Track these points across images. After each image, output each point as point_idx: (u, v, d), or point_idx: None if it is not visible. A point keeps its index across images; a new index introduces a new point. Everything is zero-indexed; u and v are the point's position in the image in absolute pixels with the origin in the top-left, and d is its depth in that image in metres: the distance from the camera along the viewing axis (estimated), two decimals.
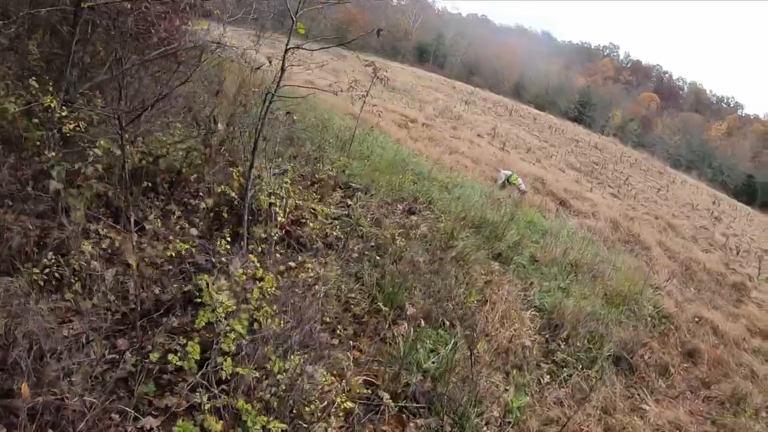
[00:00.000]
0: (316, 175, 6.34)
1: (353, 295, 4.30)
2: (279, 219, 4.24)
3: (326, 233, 5.03)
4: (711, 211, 23.02)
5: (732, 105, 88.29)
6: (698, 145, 70.70)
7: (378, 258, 5.10)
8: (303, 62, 4.59)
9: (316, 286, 3.73)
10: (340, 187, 6.85)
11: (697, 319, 7.59)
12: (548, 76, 71.83)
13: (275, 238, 4.10)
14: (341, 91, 7.14)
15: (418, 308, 4.40)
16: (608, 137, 42.66)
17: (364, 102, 9.19)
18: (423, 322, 4.27)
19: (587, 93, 70.92)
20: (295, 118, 6.50)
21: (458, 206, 7.72)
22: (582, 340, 5.28)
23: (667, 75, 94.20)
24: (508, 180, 10.84)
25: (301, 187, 5.63)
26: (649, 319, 6.64)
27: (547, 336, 5.19)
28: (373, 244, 5.34)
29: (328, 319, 3.66)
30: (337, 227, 5.34)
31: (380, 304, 4.25)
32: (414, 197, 7.64)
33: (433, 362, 3.75)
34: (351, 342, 3.66)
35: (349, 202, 6.48)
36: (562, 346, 5.08)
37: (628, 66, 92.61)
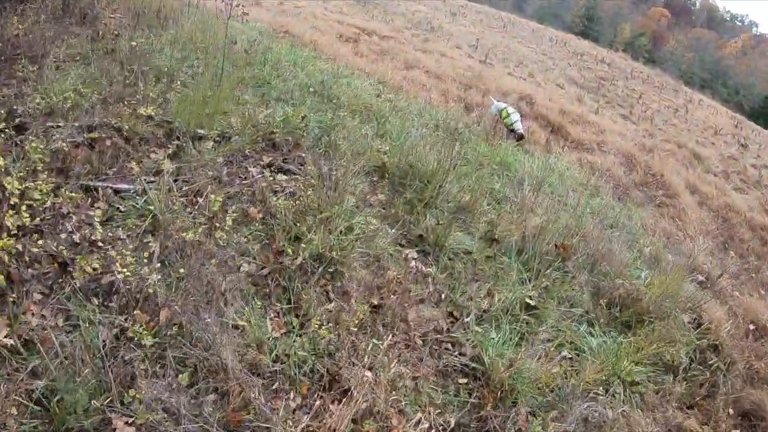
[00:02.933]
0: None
1: None
2: None
3: None
4: (735, 137, 19.58)
5: (746, 23, 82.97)
6: (711, 63, 65.46)
7: None
8: None
9: None
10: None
11: (753, 327, 4.64)
12: None
13: None
14: None
15: None
16: (617, 52, 38.04)
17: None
18: None
19: (593, 5, 64.59)
20: None
21: (371, 147, 4.55)
22: None
23: None
24: (499, 115, 7.33)
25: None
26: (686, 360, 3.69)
27: None
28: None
29: None
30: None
31: None
32: (296, 141, 4.47)
33: None
34: None
35: (164, 166, 3.39)
36: None
37: None
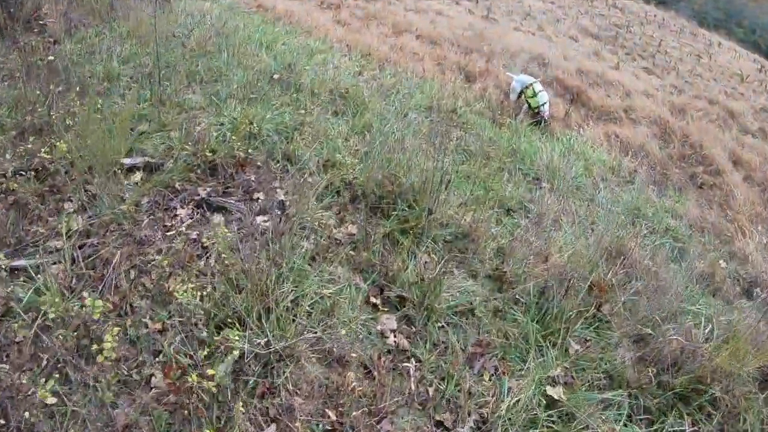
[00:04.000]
0: None
1: None
2: None
3: None
4: (763, 84, 17.94)
5: None
6: (724, 1, 61.70)
7: None
8: None
9: None
10: None
11: None
12: None
13: None
14: None
15: None
16: None
17: None
18: None
19: None
20: None
21: (341, 153, 3.44)
22: None
23: None
24: (523, 93, 5.80)
25: None
26: None
27: None
28: None
29: None
30: None
31: None
32: (240, 160, 3.42)
33: None
34: None
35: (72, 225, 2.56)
36: None
37: None
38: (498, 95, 5.81)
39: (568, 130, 5.79)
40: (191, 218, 3.04)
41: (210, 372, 2.13)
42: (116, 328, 2.22)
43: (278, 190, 3.36)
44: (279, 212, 3.14)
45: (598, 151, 5.37)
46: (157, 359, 2.28)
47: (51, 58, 4.09)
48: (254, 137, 3.69)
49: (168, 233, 2.91)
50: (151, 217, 3.02)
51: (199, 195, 3.19)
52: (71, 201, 3.00)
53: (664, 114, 7.15)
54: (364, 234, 3.05)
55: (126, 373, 2.20)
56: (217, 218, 3.06)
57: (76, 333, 2.26)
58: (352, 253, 2.97)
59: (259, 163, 3.54)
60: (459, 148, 4.31)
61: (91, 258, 2.68)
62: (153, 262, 2.67)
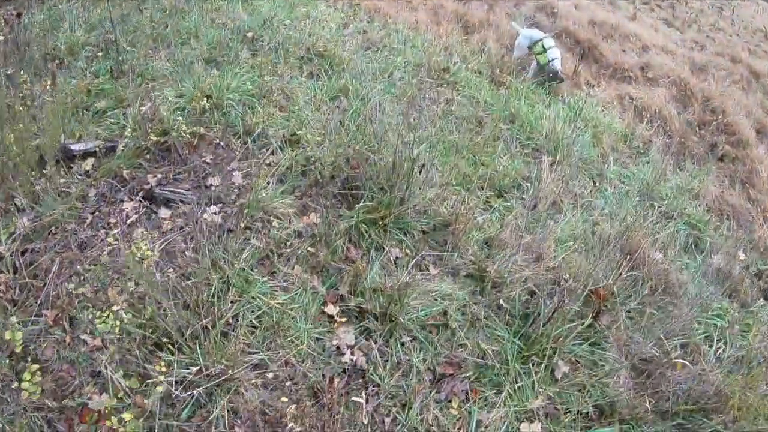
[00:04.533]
0: None
1: None
2: None
3: None
4: None
5: None
6: None
7: None
8: None
9: None
10: None
11: None
12: None
13: None
14: None
15: None
16: None
17: None
18: None
19: None
20: None
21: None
22: None
23: None
24: (531, 48, 4.99)
25: None
26: None
27: None
28: None
29: None
30: None
31: None
32: (198, 135, 2.88)
33: None
34: None
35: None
36: None
37: None
38: (498, 49, 5.12)
39: (577, 90, 5.14)
40: (137, 213, 2.61)
41: (144, 402, 1.76)
42: (34, 366, 1.88)
43: (235, 173, 2.86)
44: (232, 201, 2.66)
45: (610, 116, 4.75)
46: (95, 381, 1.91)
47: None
48: (215, 109, 3.14)
49: (113, 230, 2.46)
50: (97, 213, 2.59)
51: (148, 184, 2.74)
52: (15, 199, 2.53)
53: (685, 74, 6.43)
54: (327, 226, 2.56)
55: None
56: (164, 212, 2.62)
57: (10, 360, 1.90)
58: (311, 249, 2.50)
59: (217, 141, 3.01)
60: (448, 113, 3.72)
61: (33, 266, 2.27)
62: (92, 270, 2.24)
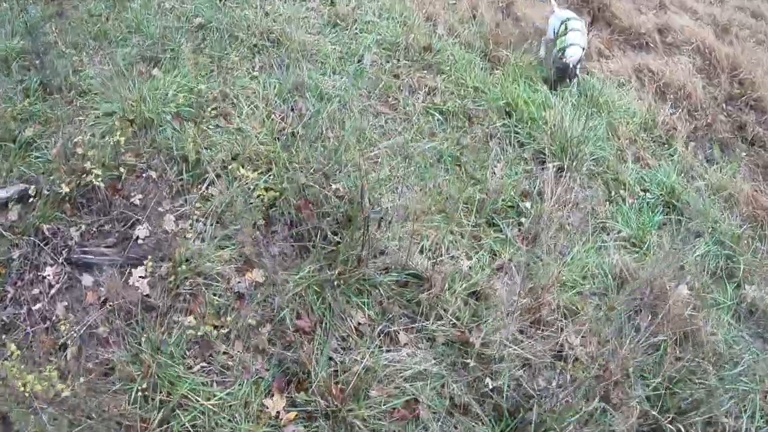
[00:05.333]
0: None
1: None
2: None
3: None
4: None
5: None
6: None
7: None
8: None
9: None
10: None
11: None
12: None
13: None
14: None
15: None
16: None
17: None
18: None
19: None
20: None
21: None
22: None
23: None
24: (555, 32, 3.93)
25: None
26: None
27: None
28: None
29: None
30: None
31: None
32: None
33: None
34: None
35: None
36: None
37: None
38: (493, 15, 4.30)
39: (588, 64, 4.39)
40: (58, 281, 2.11)
41: None
42: None
43: (167, 216, 2.26)
44: (162, 258, 2.07)
45: (626, 97, 4.02)
46: None
47: None
48: (147, 128, 2.49)
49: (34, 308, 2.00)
50: (19, 284, 2.09)
51: (72, 239, 2.21)
52: None
53: (709, 38, 5.59)
54: (271, 287, 1.97)
55: None
56: (87, 279, 2.12)
57: None
58: (252, 323, 1.92)
59: (148, 172, 2.38)
60: (429, 108, 3.03)
61: None
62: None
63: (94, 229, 2.26)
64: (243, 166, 2.36)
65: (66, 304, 2.04)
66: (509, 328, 2.03)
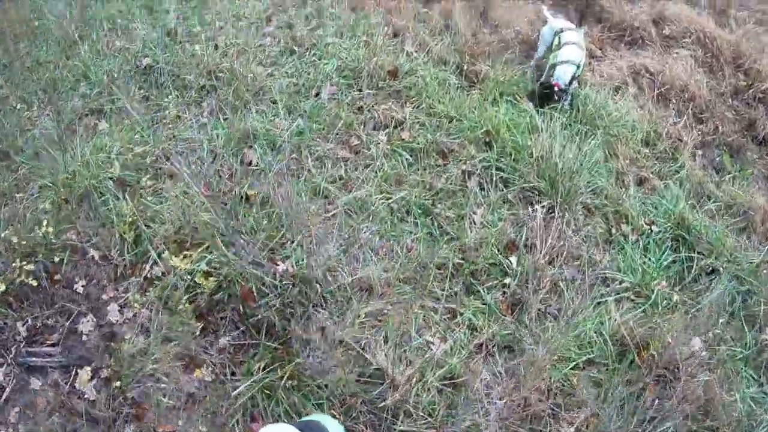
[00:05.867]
0: None
1: None
2: None
3: None
4: None
5: None
6: None
7: None
8: None
9: None
10: None
11: None
12: None
13: None
14: None
15: None
16: None
17: None
18: None
19: None
20: None
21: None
22: None
23: None
24: (548, 46, 3.53)
25: None
26: None
27: None
28: None
29: None
30: None
31: None
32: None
33: None
34: None
35: None
36: None
37: None
38: (468, 21, 3.87)
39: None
40: (8, 384, 1.94)
41: None
42: None
43: (110, 306, 1.97)
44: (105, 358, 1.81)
45: (624, 106, 3.61)
46: None
47: None
48: (88, 197, 2.18)
49: None
50: None
51: (20, 335, 2.01)
52: None
53: (709, 26, 5.16)
54: (216, 391, 1.67)
55: None
56: (35, 382, 1.93)
57: None
58: (203, 430, 1.63)
59: (90, 254, 2.07)
60: (397, 147, 2.67)
61: None
62: None
63: (39, 324, 2.05)
64: (180, 252, 2.03)
65: (17, 409, 1.88)
66: (491, 427, 1.70)
